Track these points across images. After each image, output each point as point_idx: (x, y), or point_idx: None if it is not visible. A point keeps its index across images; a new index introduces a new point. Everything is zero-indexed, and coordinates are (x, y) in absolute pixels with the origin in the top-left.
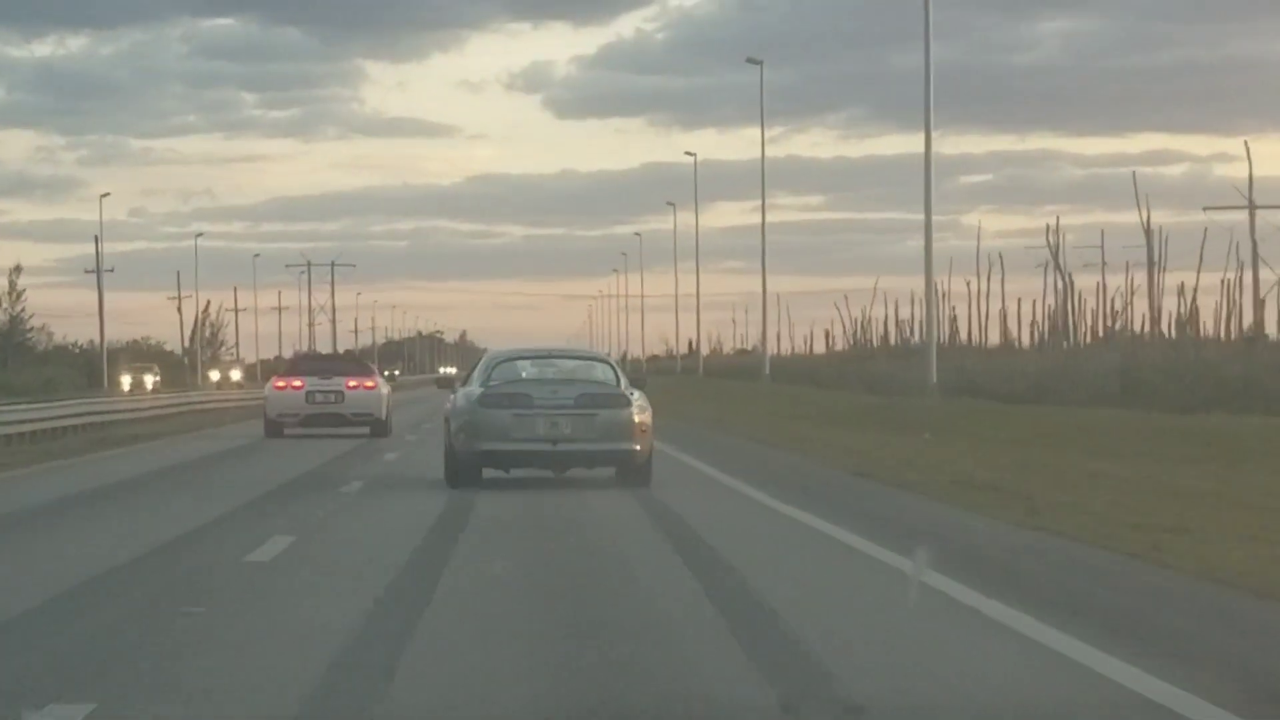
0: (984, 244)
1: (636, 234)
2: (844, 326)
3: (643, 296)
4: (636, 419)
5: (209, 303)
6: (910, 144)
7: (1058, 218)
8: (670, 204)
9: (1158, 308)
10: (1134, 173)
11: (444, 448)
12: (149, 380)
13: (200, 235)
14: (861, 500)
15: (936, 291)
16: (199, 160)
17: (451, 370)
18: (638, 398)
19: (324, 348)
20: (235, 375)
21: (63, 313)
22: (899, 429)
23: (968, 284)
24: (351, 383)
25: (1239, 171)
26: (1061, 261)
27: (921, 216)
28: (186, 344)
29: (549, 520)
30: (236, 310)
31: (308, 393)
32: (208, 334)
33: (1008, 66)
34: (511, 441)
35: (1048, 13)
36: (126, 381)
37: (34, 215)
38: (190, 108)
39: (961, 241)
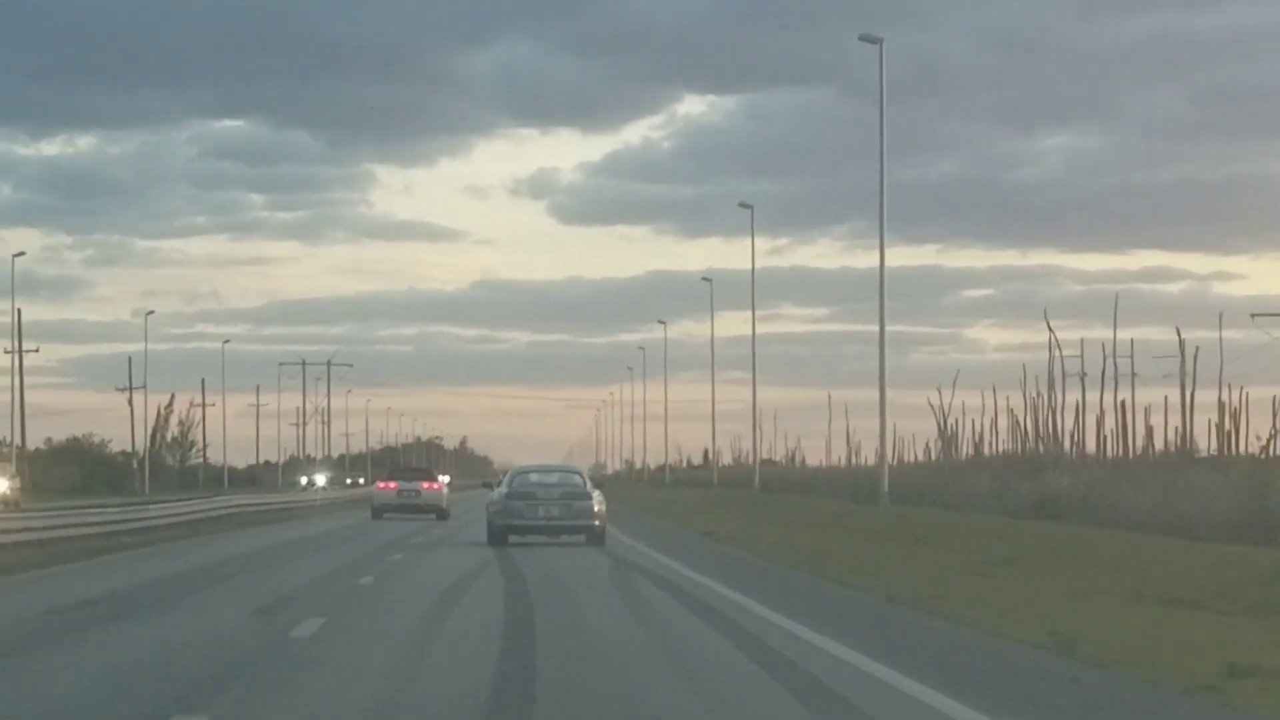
0: (985, 358)
1: (661, 321)
2: (941, 431)
3: (666, 403)
4: (595, 508)
5: (172, 397)
6: (911, 256)
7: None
8: (707, 279)
9: None
10: None
11: (486, 522)
12: None
13: (151, 313)
14: None
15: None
16: (205, 262)
17: (448, 477)
18: (597, 494)
19: (315, 451)
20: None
21: (57, 412)
22: None
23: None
24: (425, 485)
25: (1238, 290)
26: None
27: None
28: (151, 444)
29: None
30: (204, 405)
31: (398, 490)
32: (173, 433)
33: (1010, 181)
34: (524, 519)
35: (1049, 129)
36: None
37: (39, 315)
38: (198, 209)
39: (963, 355)
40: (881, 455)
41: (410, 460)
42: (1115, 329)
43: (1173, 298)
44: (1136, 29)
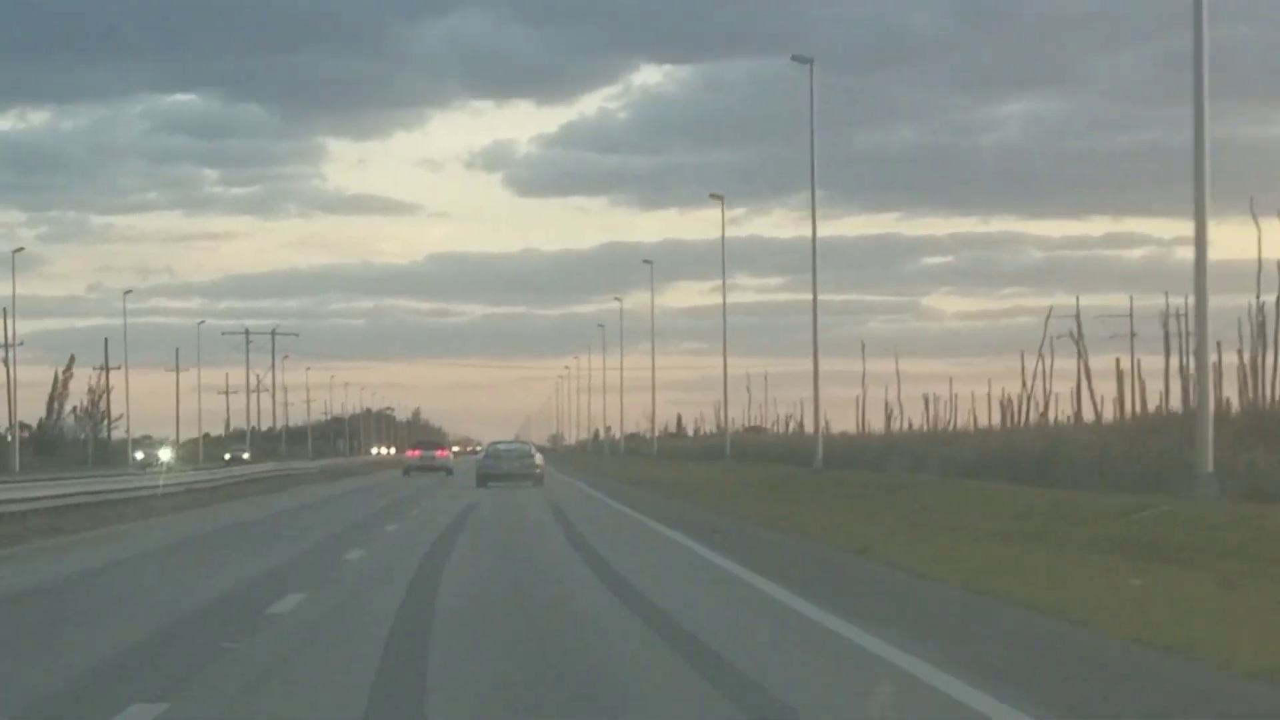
0: (943, 325)
1: (617, 298)
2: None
3: (653, 371)
4: (537, 464)
5: (71, 360)
6: (871, 224)
7: None
8: (648, 261)
9: None
10: None
11: (476, 472)
12: None
13: (20, 250)
14: None
15: None
16: (158, 237)
17: (391, 450)
18: (539, 456)
19: (263, 424)
20: None
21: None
22: None
23: None
24: (438, 452)
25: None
26: None
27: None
28: (48, 415)
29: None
30: (107, 369)
31: (421, 455)
32: (82, 404)
33: (970, 148)
34: (496, 470)
35: (1010, 94)
36: None
37: None
38: (151, 184)
39: (920, 323)
40: (1201, 414)
41: (358, 430)
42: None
43: (1135, 264)
44: None
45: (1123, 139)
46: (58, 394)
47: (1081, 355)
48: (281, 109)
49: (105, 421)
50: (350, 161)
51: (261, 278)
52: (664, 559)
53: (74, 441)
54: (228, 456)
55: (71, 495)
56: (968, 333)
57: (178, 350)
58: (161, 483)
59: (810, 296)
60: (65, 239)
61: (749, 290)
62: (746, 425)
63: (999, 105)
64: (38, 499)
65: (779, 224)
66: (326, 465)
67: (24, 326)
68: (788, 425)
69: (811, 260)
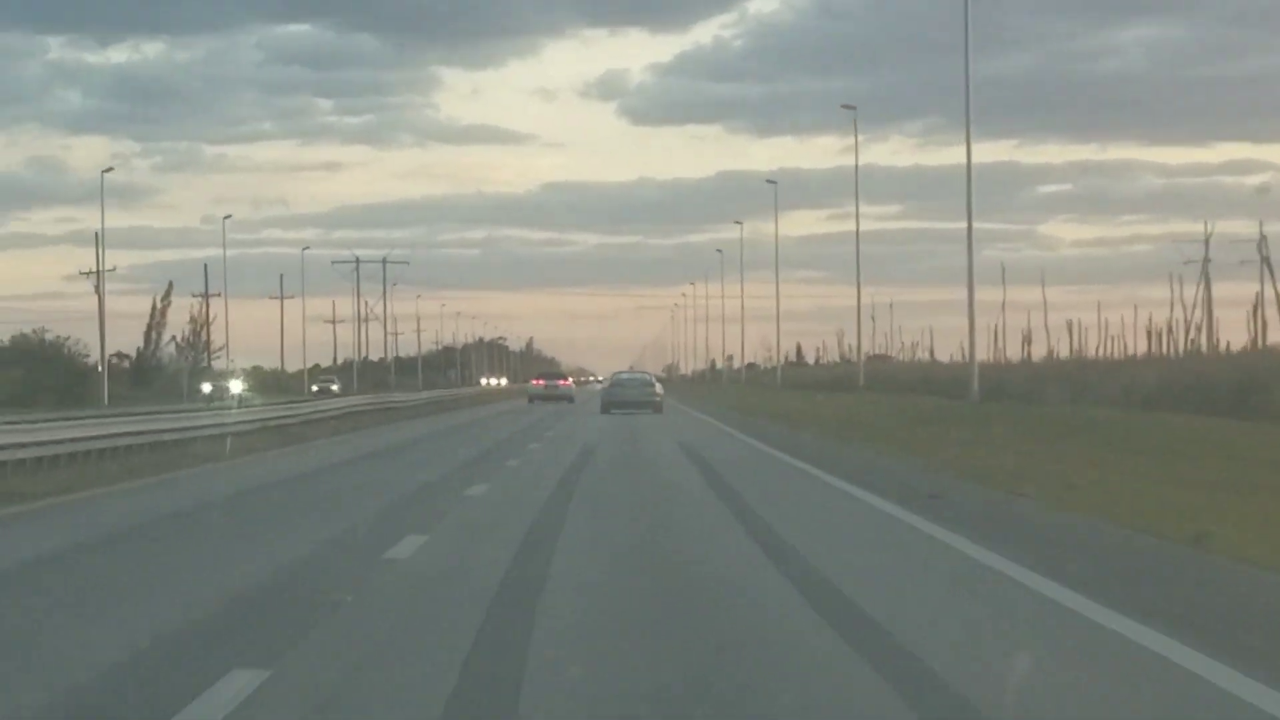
0: (1061, 254)
1: (738, 222)
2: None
3: (777, 298)
4: (657, 392)
5: (170, 286)
6: (988, 152)
7: None
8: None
9: None
10: None
11: (600, 400)
12: None
13: (109, 170)
14: None
15: None
16: (272, 167)
17: (502, 381)
18: (659, 386)
19: (374, 354)
20: None
21: (113, 317)
22: None
23: None
24: (561, 381)
25: None
26: None
27: (999, 225)
28: (145, 345)
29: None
30: (206, 296)
31: (545, 385)
32: (183, 334)
33: (1089, 74)
34: (619, 399)
35: (1130, 20)
36: None
37: (109, 223)
38: (264, 114)
39: (1037, 251)
40: None
41: (470, 360)
42: None
43: (1254, 191)
44: None
45: (1244, 65)
46: (155, 323)
47: (1273, 280)
48: (395, 39)
49: (205, 352)
50: (464, 91)
51: (374, 208)
52: (908, 565)
53: (174, 372)
54: (315, 389)
55: (92, 439)
56: (1086, 260)
57: (282, 276)
58: (233, 419)
59: (932, 225)
60: (179, 169)
61: (867, 218)
62: (871, 353)
63: (1119, 31)
64: (53, 442)
65: (896, 150)
66: (430, 398)
67: (138, 258)
68: (914, 353)
69: (967, 188)
